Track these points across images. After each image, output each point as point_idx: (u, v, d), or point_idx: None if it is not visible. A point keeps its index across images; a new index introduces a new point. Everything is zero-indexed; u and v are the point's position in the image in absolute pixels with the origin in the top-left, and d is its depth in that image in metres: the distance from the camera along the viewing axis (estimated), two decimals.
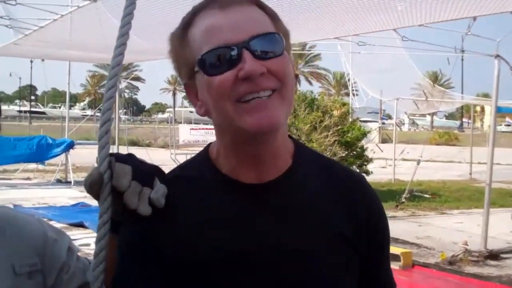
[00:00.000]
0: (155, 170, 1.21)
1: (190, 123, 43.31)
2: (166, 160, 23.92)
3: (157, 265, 1.21)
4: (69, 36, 8.39)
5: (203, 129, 28.45)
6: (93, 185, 1.16)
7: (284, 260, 1.20)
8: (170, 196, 1.21)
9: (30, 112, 68.24)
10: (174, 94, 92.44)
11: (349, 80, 26.57)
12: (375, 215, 1.32)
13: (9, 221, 1.33)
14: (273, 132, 1.17)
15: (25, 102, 75.54)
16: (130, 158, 1.20)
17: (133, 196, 1.15)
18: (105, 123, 1.19)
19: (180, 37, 1.22)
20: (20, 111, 69.42)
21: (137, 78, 65.91)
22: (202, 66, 1.17)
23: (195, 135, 27.55)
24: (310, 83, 70.34)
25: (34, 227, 1.36)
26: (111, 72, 1.23)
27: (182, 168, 1.35)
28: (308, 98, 14.83)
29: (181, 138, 27.41)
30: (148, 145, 34.39)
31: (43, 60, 16.82)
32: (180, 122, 42.65)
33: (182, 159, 23.65)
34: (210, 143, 1.34)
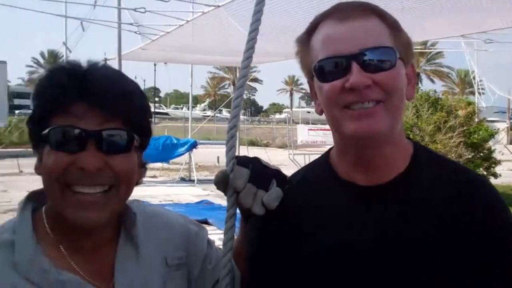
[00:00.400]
0: (275, 174, 1.31)
1: (308, 123, 43.48)
2: (284, 160, 24.21)
3: (283, 256, 1.34)
4: (192, 41, 8.70)
5: (321, 129, 28.51)
6: (219, 184, 1.31)
7: (399, 259, 1.24)
8: (294, 197, 1.34)
9: (155, 113, 71.63)
10: (291, 95, 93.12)
11: (474, 78, 25.33)
12: (497, 221, 1.26)
13: (160, 217, 1.44)
14: (374, 140, 1.24)
15: (149, 104, 79.83)
16: (251, 162, 1.30)
17: (247, 196, 1.27)
18: (232, 129, 1.35)
19: (304, 42, 1.34)
20: None
21: (255, 79, 67.21)
22: (316, 72, 1.27)
23: (313, 136, 27.67)
24: (432, 81, 68.09)
25: (180, 222, 1.47)
26: (239, 82, 1.40)
27: (305, 170, 1.49)
28: (431, 97, 14.30)
29: (299, 138, 27.63)
30: (266, 145, 34.88)
31: (166, 63, 17.57)
32: (298, 123, 42.94)
33: (300, 159, 23.83)
34: (332, 147, 1.44)
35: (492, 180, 14.58)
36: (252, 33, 1.34)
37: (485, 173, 14.13)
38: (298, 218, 1.35)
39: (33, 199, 1.30)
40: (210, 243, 1.49)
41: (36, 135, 1.22)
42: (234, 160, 1.31)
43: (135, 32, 8.09)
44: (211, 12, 6.43)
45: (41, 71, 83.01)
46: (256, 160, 1.31)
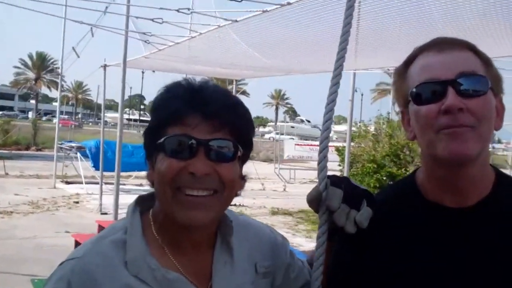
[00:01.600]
0: (364, 194, 1.38)
1: (292, 137, 43.56)
2: (269, 174, 24.31)
3: (372, 273, 1.41)
4: (198, 52, 8.83)
5: (308, 145, 28.66)
6: (312, 202, 1.38)
7: (472, 282, 1.31)
8: (380, 216, 1.39)
9: (139, 121, 71.21)
10: (276, 109, 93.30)
11: None
12: None
13: (252, 227, 1.56)
14: (464, 162, 1.31)
15: (134, 111, 78.81)
16: (344, 181, 1.37)
17: (341, 216, 1.33)
18: (323, 150, 1.40)
19: (402, 72, 1.42)
20: (129, 119, 72.44)
21: (243, 92, 67.25)
22: (413, 96, 1.36)
23: (299, 151, 27.74)
24: None
25: (268, 232, 1.59)
26: (327, 107, 1.42)
27: (390, 189, 1.58)
28: None
29: (286, 153, 27.66)
30: (251, 158, 34.89)
31: (154, 71, 17.57)
32: (282, 134, 43.00)
33: (285, 173, 23.89)
34: (418, 168, 1.50)
35: None
36: (342, 44, 1.44)
37: None
38: (386, 237, 1.42)
39: (140, 204, 1.43)
40: (292, 253, 1.60)
41: (152, 144, 1.35)
42: (327, 180, 1.36)
43: (145, 41, 8.19)
44: (222, 27, 6.59)
45: (29, 73, 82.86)
46: (347, 180, 1.38)
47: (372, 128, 15.91)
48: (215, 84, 1.44)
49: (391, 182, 13.05)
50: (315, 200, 1.37)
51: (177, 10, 5.73)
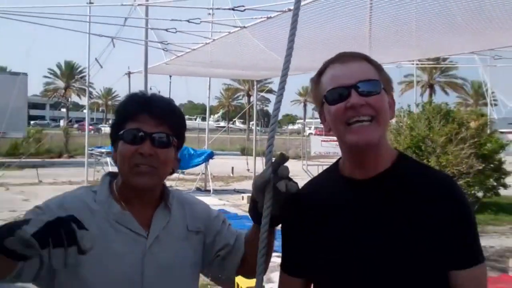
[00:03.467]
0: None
1: (321, 134, 43.73)
2: (298, 171, 24.53)
3: (309, 236, 1.84)
4: (213, 56, 9.17)
5: (334, 141, 28.66)
6: (262, 184, 1.73)
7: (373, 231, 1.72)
8: (313, 191, 1.92)
9: None
10: (305, 106, 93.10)
11: (487, 91, 25.55)
12: (459, 219, 1.70)
13: (190, 200, 2.17)
14: (369, 147, 1.72)
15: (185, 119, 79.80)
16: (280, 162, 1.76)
17: (281, 184, 1.72)
18: (271, 138, 1.77)
19: (316, 81, 1.85)
20: None
21: (269, 91, 67.45)
22: (326, 99, 1.77)
23: (326, 147, 27.86)
24: (446, 93, 67.66)
25: (202, 205, 2.20)
26: (277, 97, 1.78)
27: (323, 172, 2.00)
28: (443, 110, 14.63)
29: (313, 149, 27.83)
30: None
31: (170, 76, 18.05)
32: (311, 133, 43.20)
33: (313, 170, 24.09)
34: (341, 157, 1.93)
35: (502, 191, 14.90)
36: (288, 50, 1.78)
37: (495, 183, 14.42)
38: (317, 208, 1.86)
39: (109, 176, 2.03)
40: (225, 222, 2.17)
41: (114, 135, 1.96)
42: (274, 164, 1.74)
43: (164, 49, 8.58)
44: (236, 32, 6.90)
45: (58, 82, 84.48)
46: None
47: (393, 121, 16.04)
48: (162, 96, 2.10)
49: None
50: (265, 183, 1.72)
51: (188, 21, 6.07)
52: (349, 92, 1.70)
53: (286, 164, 1.72)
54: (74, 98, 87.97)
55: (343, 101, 1.70)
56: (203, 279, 6.66)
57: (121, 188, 1.94)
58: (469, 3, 6.10)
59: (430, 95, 62.00)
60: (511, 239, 11.02)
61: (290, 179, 1.71)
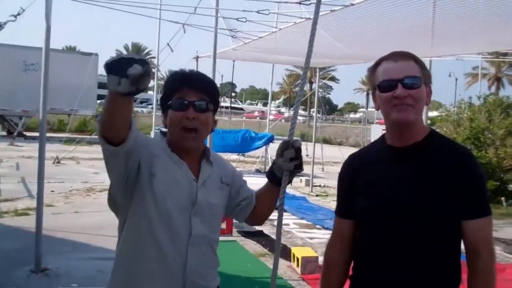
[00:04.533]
0: None
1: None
2: None
3: (350, 189, 2.43)
4: (279, 44, 9.66)
5: None
6: (284, 143, 2.44)
7: (407, 185, 2.24)
8: (364, 154, 2.52)
9: (230, 107, 72.95)
10: (367, 95, 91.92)
11: None
12: (472, 180, 2.21)
13: (221, 159, 2.67)
14: (406, 124, 2.23)
15: (225, 98, 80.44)
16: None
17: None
18: (294, 120, 2.39)
19: (372, 71, 2.36)
20: (221, 107, 73.74)
21: (332, 78, 67.24)
22: (378, 87, 2.30)
23: None
24: None
25: (230, 165, 2.75)
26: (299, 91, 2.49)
27: (372, 142, 2.55)
28: (505, 103, 14.64)
29: (373, 138, 27.96)
30: (340, 144, 35.28)
31: (233, 61, 18.62)
32: (372, 123, 43.09)
33: None
34: None
35: None
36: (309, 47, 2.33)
37: None
38: (365, 166, 2.41)
39: (162, 133, 2.53)
40: (244, 180, 2.69)
41: (164, 104, 2.44)
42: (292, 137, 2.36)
43: (232, 37, 9.14)
44: (301, 23, 7.37)
45: None
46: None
47: (454, 112, 16.12)
48: (199, 72, 2.62)
49: None
50: (286, 143, 2.33)
51: (257, 12, 6.59)
52: (396, 84, 2.20)
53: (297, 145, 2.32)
54: None
55: (391, 90, 2.21)
56: (261, 249, 7.28)
57: (171, 146, 2.41)
58: None
59: (497, 88, 60.39)
60: None
61: (292, 159, 2.30)
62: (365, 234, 2.36)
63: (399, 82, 2.19)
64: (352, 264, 2.45)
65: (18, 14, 7.27)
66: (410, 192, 2.21)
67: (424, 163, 2.24)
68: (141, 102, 62.50)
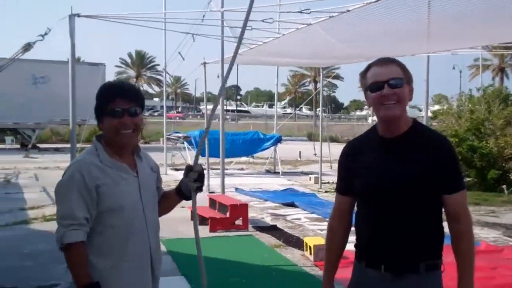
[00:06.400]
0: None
1: None
2: None
3: (348, 170, 2.87)
4: (283, 47, 10.18)
5: None
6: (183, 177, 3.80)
7: (395, 169, 2.67)
8: (358, 142, 2.93)
9: (236, 111, 73.32)
10: None
11: None
12: (450, 161, 2.66)
13: (145, 153, 3.09)
14: (392, 119, 2.64)
15: (231, 102, 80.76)
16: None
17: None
18: (208, 124, 3.02)
19: (363, 75, 2.79)
20: (227, 110, 74.47)
21: (336, 77, 67.50)
22: (368, 87, 2.74)
23: None
24: None
25: (152, 159, 3.18)
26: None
27: (366, 131, 2.96)
28: (503, 94, 15.10)
29: None
30: (335, 140, 35.71)
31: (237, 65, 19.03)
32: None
33: None
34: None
35: None
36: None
37: None
38: (359, 152, 2.83)
39: (96, 139, 2.91)
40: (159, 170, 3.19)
41: (99, 112, 2.82)
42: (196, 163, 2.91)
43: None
44: (303, 28, 7.91)
45: (129, 71, 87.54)
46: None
47: (454, 105, 16.59)
48: (128, 82, 3.44)
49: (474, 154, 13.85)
50: (190, 167, 2.89)
51: (262, 21, 7.15)
52: (383, 85, 2.60)
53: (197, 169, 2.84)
54: (144, 87, 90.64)
55: (379, 90, 2.62)
56: (276, 241, 7.89)
57: (109, 146, 2.83)
58: None
59: (502, 79, 60.57)
60: None
61: (196, 180, 2.82)
62: (360, 210, 2.83)
63: (385, 83, 2.60)
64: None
65: (46, 33, 7.83)
66: (398, 172, 2.63)
67: (408, 150, 2.65)
68: (147, 110, 62.87)
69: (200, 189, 2.83)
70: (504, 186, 13.42)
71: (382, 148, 2.72)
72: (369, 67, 2.74)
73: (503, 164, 14.20)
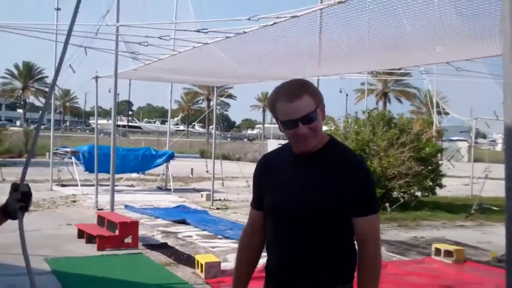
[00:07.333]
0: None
1: (279, 138, 44.96)
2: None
3: (261, 185, 2.70)
4: (178, 65, 10.20)
5: None
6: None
7: (308, 187, 2.50)
8: (272, 158, 2.75)
9: (128, 126, 71.94)
10: (263, 111, 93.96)
11: (431, 102, 27.11)
12: (361, 183, 2.50)
13: None
14: (308, 152, 2.50)
15: (122, 117, 79.28)
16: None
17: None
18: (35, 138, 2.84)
19: (272, 105, 2.54)
20: (118, 125, 72.74)
21: (229, 96, 68.24)
22: (281, 124, 2.51)
23: None
24: (400, 102, 69.64)
25: None
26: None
27: (281, 146, 2.84)
28: (386, 117, 16.00)
29: None
30: (238, 159, 36.07)
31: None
32: (269, 138, 44.34)
33: None
34: None
35: (441, 191, 16.38)
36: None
37: (431, 183, 15.84)
38: (273, 167, 2.68)
39: None
40: None
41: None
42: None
43: (134, 58, 9.59)
44: (199, 47, 7.97)
45: (15, 82, 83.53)
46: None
47: (341, 126, 17.34)
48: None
49: None
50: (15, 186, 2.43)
51: (159, 37, 7.14)
52: (297, 123, 2.41)
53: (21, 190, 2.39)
54: (31, 99, 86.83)
55: (293, 128, 2.43)
56: (167, 259, 7.75)
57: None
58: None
59: (384, 103, 63.92)
60: (440, 231, 12.33)
61: (20, 200, 2.38)
62: (269, 228, 2.68)
63: (299, 121, 2.41)
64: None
65: None
66: (301, 194, 2.49)
67: (319, 168, 2.51)
68: (32, 123, 60.29)
69: (24, 209, 2.48)
70: (387, 204, 14.12)
71: (293, 164, 2.60)
72: (276, 99, 2.52)
73: (386, 184, 14.93)
